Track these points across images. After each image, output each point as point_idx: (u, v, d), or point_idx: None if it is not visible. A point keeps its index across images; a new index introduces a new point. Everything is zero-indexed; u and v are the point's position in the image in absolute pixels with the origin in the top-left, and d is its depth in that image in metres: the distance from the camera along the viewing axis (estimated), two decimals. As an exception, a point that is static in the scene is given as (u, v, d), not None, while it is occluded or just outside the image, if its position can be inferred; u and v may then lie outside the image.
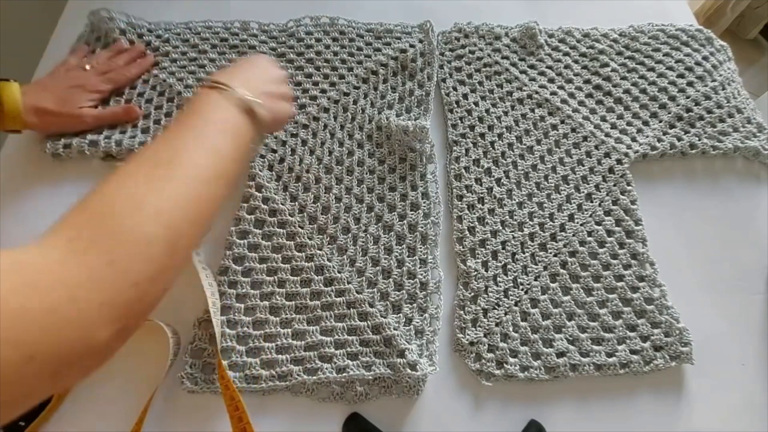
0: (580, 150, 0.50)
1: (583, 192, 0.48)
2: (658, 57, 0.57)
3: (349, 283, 0.42)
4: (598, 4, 0.63)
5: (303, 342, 0.39)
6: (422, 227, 0.45)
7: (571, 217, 0.46)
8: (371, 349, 0.39)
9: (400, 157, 0.49)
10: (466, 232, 0.45)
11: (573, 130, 0.52)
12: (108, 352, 0.24)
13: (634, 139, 0.51)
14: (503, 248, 0.44)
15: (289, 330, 0.39)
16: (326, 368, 0.38)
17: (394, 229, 0.45)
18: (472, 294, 0.42)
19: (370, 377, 0.37)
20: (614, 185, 0.48)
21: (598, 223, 0.46)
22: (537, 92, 0.54)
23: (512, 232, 0.45)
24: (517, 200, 0.47)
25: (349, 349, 0.39)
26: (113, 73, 0.50)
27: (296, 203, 0.45)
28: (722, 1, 1.34)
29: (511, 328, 0.41)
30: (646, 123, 0.52)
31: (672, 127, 0.52)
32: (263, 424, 0.37)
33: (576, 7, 0.63)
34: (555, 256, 0.44)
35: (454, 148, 0.50)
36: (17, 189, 0.47)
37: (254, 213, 0.45)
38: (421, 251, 0.43)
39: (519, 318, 0.41)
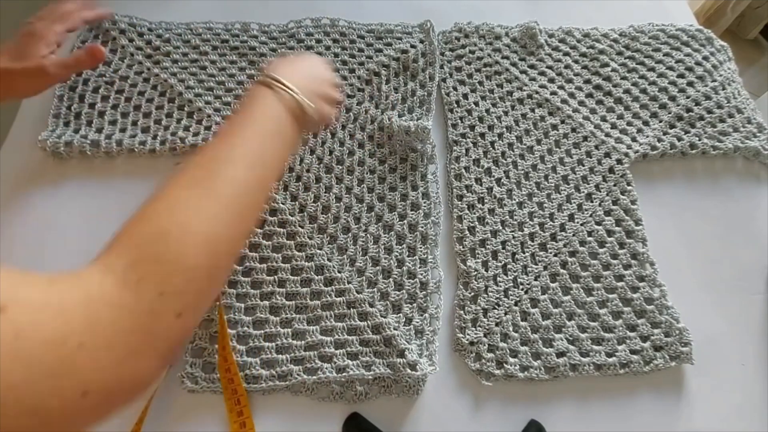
0: (580, 150, 0.50)
1: (584, 192, 0.48)
2: (658, 57, 0.57)
3: (349, 282, 0.42)
4: (598, 4, 0.63)
5: (303, 342, 0.39)
6: (422, 227, 0.45)
7: (571, 217, 0.46)
8: (371, 349, 0.39)
9: (401, 157, 0.49)
10: (466, 232, 0.45)
11: (573, 130, 0.52)
12: (150, 383, 0.24)
13: (634, 139, 0.51)
14: (503, 248, 0.44)
15: (289, 330, 0.39)
16: (326, 368, 0.38)
17: (395, 228, 0.45)
18: (472, 294, 0.42)
19: (370, 377, 0.37)
20: (614, 185, 0.48)
21: (598, 223, 0.46)
22: (537, 92, 0.54)
23: (512, 231, 0.45)
24: (517, 200, 0.47)
25: (349, 348, 0.39)
26: (66, 15, 0.46)
27: (296, 203, 0.46)
28: (722, 1, 1.34)
29: (511, 328, 0.41)
30: (646, 123, 0.52)
31: (672, 127, 0.52)
32: (263, 424, 0.37)
33: (576, 7, 0.63)
34: (555, 255, 0.44)
35: (455, 147, 0.50)
36: (17, 189, 0.47)
37: (254, 213, 0.45)
38: (421, 251, 0.43)
39: (519, 318, 0.41)
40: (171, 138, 0.49)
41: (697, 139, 0.51)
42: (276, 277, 0.42)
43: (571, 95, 0.54)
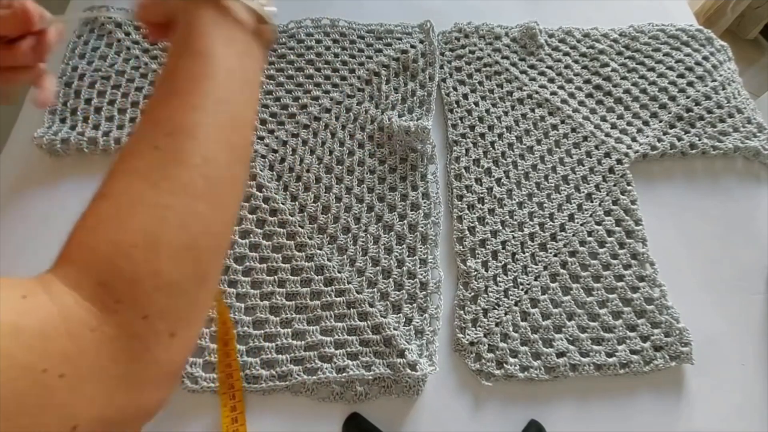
0: (580, 150, 0.50)
1: (584, 192, 0.48)
2: (658, 57, 0.57)
3: (349, 283, 0.42)
4: (598, 4, 0.63)
5: (303, 342, 0.39)
6: (422, 227, 0.45)
7: (571, 217, 0.46)
8: (371, 349, 0.39)
9: (401, 157, 0.49)
10: (466, 232, 0.45)
11: (573, 130, 0.52)
12: (155, 412, 0.21)
13: (634, 139, 0.51)
14: (503, 248, 0.44)
15: (289, 330, 0.39)
16: (326, 368, 0.38)
17: (395, 229, 0.45)
18: (472, 294, 0.42)
19: (370, 377, 0.37)
20: (614, 185, 0.48)
21: (598, 223, 0.46)
22: (537, 92, 0.54)
23: (512, 232, 0.45)
24: (517, 200, 0.47)
25: (349, 349, 0.39)
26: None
27: (296, 203, 0.45)
28: (722, 1, 1.34)
29: (511, 328, 0.41)
30: (646, 123, 0.52)
31: (672, 127, 0.52)
32: (263, 423, 0.37)
33: (576, 7, 0.63)
34: (555, 256, 0.44)
35: (455, 148, 0.50)
36: (17, 189, 0.47)
37: (255, 213, 0.45)
38: (421, 251, 0.43)
39: (519, 318, 0.41)
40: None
41: (697, 139, 0.51)
42: (276, 277, 0.42)
43: (571, 95, 0.54)
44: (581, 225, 0.46)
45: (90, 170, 0.48)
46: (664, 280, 0.43)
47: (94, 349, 0.18)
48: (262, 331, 0.39)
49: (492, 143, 0.50)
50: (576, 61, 0.57)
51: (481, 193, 0.47)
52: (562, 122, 0.52)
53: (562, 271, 0.44)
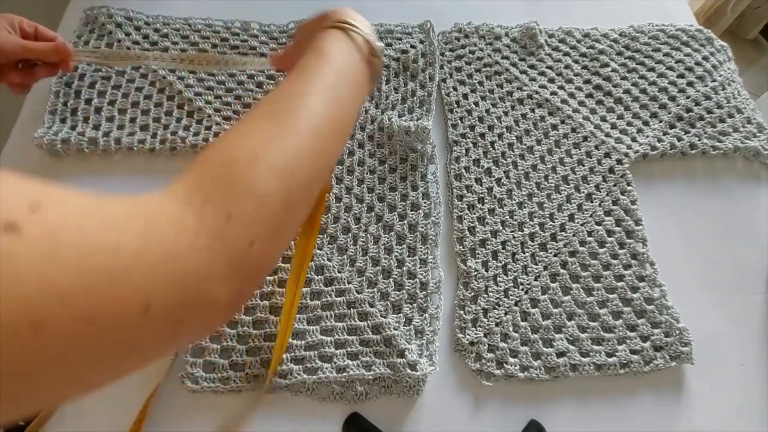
0: (580, 150, 0.50)
1: (584, 192, 0.48)
2: (658, 57, 0.57)
3: (349, 282, 0.42)
4: (598, 4, 0.63)
5: (303, 342, 0.39)
6: (422, 227, 0.45)
7: (571, 217, 0.46)
8: (371, 349, 0.39)
9: (401, 157, 0.49)
10: (467, 232, 0.45)
11: (573, 130, 0.52)
12: (224, 312, 0.22)
13: (634, 139, 0.51)
14: (503, 248, 0.44)
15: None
16: (326, 368, 0.38)
17: (395, 229, 0.45)
18: (472, 294, 0.42)
19: (370, 377, 0.37)
20: (614, 185, 0.48)
21: (598, 223, 0.46)
22: (537, 92, 0.54)
23: (512, 232, 0.45)
24: (517, 200, 0.47)
25: (349, 348, 0.39)
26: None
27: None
28: (722, 1, 1.34)
29: (511, 328, 0.41)
30: (646, 123, 0.52)
31: (672, 127, 0.52)
32: (263, 423, 0.37)
33: (576, 7, 0.63)
34: (555, 256, 0.44)
35: (455, 148, 0.50)
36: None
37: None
38: (421, 251, 0.43)
39: (519, 318, 0.41)
40: (171, 137, 0.48)
41: (697, 139, 0.51)
42: (276, 277, 0.42)
43: (571, 95, 0.54)
44: (581, 225, 0.46)
45: (90, 170, 0.48)
46: (664, 280, 0.43)
47: (172, 237, 0.19)
48: (262, 331, 0.39)
49: (492, 143, 0.50)
50: (576, 62, 0.57)
51: (481, 193, 0.47)
52: (562, 122, 0.52)
53: (562, 271, 0.44)
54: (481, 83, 0.55)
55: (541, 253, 0.44)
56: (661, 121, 0.52)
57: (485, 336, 0.40)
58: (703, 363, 0.40)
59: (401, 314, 0.40)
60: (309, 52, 0.30)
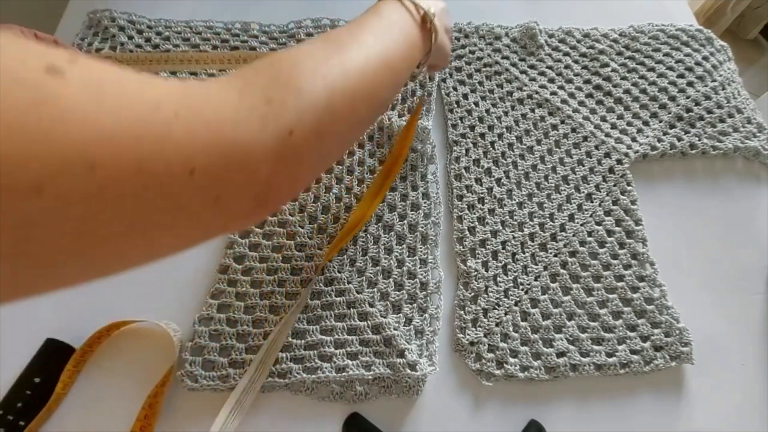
0: (580, 150, 0.50)
1: (584, 192, 0.48)
2: (658, 57, 0.57)
3: (349, 282, 0.42)
4: (598, 4, 0.63)
5: (303, 341, 0.39)
6: (422, 227, 0.45)
7: (571, 217, 0.46)
8: (371, 349, 0.39)
9: (400, 157, 0.49)
10: (467, 232, 0.45)
11: (573, 130, 0.52)
12: (264, 193, 0.22)
13: (634, 139, 0.51)
14: (503, 248, 0.44)
15: (289, 329, 0.39)
16: (326, 367, 0.38)
17: (395, 229, 0.45)
18: (472, 294, 0.42)
19: (370, 377, 0.37)
20: (614, 185, 0.48)
21: (598, 223, 0.46)
22: (537, 92, 0.54)
23: (512, 232, 0.45)
24: (517, 200, 0.47)
25: (348, 348, 0.39)
26: None
27: (296, 203, 0.46)
28: (722, 1, 1.34)
29: (511, 328, 0.41)
30: (646, 123, 0.52)
31: (672, 127, 0.52)
32: (263, 422, 0.37)
33: (576, 7, 0.63)
34: (555, 256, 0.44)
35: (454, 148, 0.50)
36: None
37: (254, 213, 0.45)
38: (421, 251, 0.43)
39: (519, 318, 0.41)
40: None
41: (697, 139, 0.51)
42: (276, 276, 0.42)
43: (571, 95, 0.54)
44: (581, 225, 0.46)
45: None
46: (664, 280, 0.43)
47: (212, 108, 0.19)
48: (262, 330, 0.39)
49: (492, 143, 0.50)
50: (576, 62, 0.57)
51: (481, 193, 0.47)
52: (562, 122, 0.52)
53: (562, 271, 0.44)
54: (481, 83, 0.55)
55: (541, 253, 0.44)
56: (661, 121, 0.52)
57: (485, 336, 0.40)
58: (703, 363, 0.40)
59: (401, 314, 0.40)
60: (368, 9, 0.33)
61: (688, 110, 0.53)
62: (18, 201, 0.13)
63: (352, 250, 0.43)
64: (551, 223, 0.46)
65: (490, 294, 0.42)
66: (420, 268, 0.43)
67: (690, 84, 0.55)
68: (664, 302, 0.42)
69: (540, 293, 0.42)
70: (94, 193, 0.15)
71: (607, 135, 0.51)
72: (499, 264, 0.44)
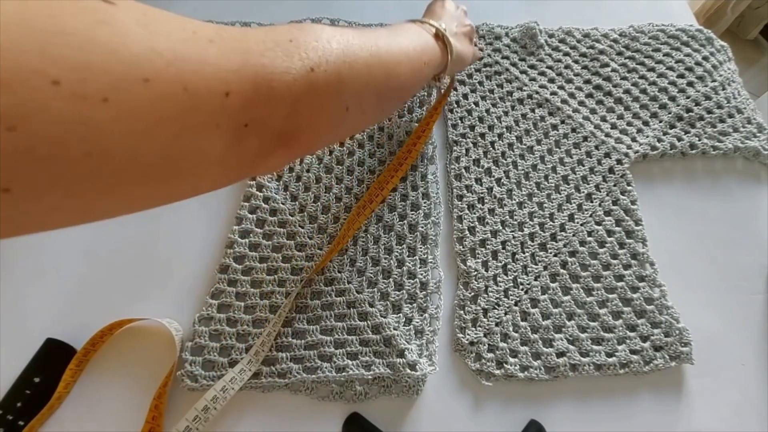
0: (580, 150, 0.50)
1: (583, 192, 0.48)
2: (658, 57, 0.57)
3: (349, 282, 0.42)
4: (598, 4, 0.63)
5: (303, 341, 0.39)
6: (422, 227, 0.45)
7: (571, 217, 0.46)
8: (371, 349, 0.39)
9: (400, 157, 0.49)
10: (466, 232, 0.45)
11: (573, 130, 0.52)
12: (285, 137, 0.24)
13: (634, 140, 0.51)
14: (503, 248, 0.44)
15: (289, 329, 0.39)
16: (326, 367, 0.38)
17: (395, 229, 0.45)
18: (472, 294, 0.42)
19: (370, 377, 0.37)
20: (614, 185, 0.48)
21: (598, 223, 0.46)
22: (537, 92, 0.54)
23: (512, 232, 0.45)
24: (517, 200, 0.47)
25: (348, 348, 0.39)
26: None
27: (296, 203, 0.46)
28: (722, 1, 1.34)
29: (511, 328, 0.41)
30: (646, 123, 0.52)
31: (672, 127, 0.52)
32: (263, 422, 0.37)
33: (576, 7, 0.63)
34: (555, 256, 0.44)
35: (455, 148, 0.50)
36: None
37: (255, 212, 0.45)
38: (421, 251, 0.43)
39: (519, 318, 0.41)
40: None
41: (697, 139, 0.51)
42: (276, 276, 0.42)
43: (571, 95, 0.54)
44: (581, 225, 0.46)
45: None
46: (664, 280, 0.43)
47: (240, 37, 0.22)
48: (262, 330, 0.39)
49: (492, 143, 0.50)
50: (576, 62, 0.57)
51: (481, 193, 0.47)
52: (562, 122, 0.52)
53: (562, 271, 0.44)
54: (481, 83, 0.55)
55: (541, 253, 0.44)
56: (661, 121, 0.52)
57: (485, 336, 0.40)
58: (703, 363, 0.40)
59: (401, 314, 0.40)
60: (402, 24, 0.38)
61: (688, 110, 0.53)
62: (87, 109, 0.15)
63: (352, 250, 0.43)
64: (551, 222, 0.46)
65: (490, 294, 0.42)
66: (420, 268, 0.43)
67: (690, 84, 0.55)
68: (663, 302, 0.42)
69: (540, 293, 0.42)
70: (148, 107, 0.16)
71: (607, 135, 0.51)
72: (499, 264, 0.44)
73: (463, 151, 0.50)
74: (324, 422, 0.37)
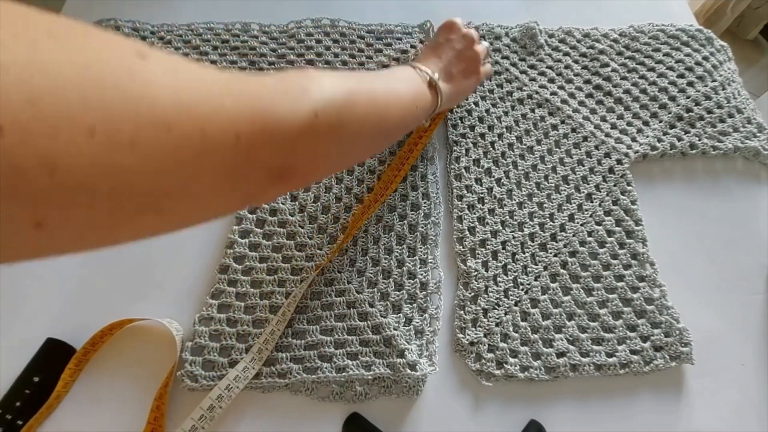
0: (580, 150, 0.50)
1: (584, 192, 0.48)
2: (658, 57, 0.57)
3: (349, 283, 0.42)
4: (598, 4, 0.63)
5: (303, 341, 0.39)
6: (422, 227, 0.45)
7: (571, 217, 0.46)
8: (371, 349, 0.39)
9: (400, 157, 0.49)
10: (466, 232, 0.45)
11: (573, 130, 0.52)
12: (283, 174, 0.25)
13: (634, 140, 0.51)
14: (503, 248, 0.44)
15: (289, 329, 0.39)
16: (326, 367, 0.38)
17: (395, 229, 0.45)
18: (472, 294, 0.42)
19: (370, 377, 0.37)
20: (614, 185, 0.48)
21: (598, 224, 0.46)
22: (537, 92, 0.54)
23: (512, 232, 0.45)
24: (517, 200, 0.47)
25: (348, 348, 0.39)
26: None
27: (296, 203, 0.46)
28: (722, 1, 1.34)
29: (511, 328, 0.41)
30: (646, 123, 0.52)
31: (672, 127, 0.52)
32: (263, 422, 0.37)
33: (576, 7, 0.63)
34: (555, 256, 0.44)
35: (454, 148, 0.50)
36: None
37: (255, 213, 0.45)
38: (421, 251, 0.43)
39: (519, 318, 0.41)
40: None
41: (697, 139, 0.51)
42: (276, 276, 0.42)
43: (571, 95, 0.54)
44: (581, 225, 0.46)
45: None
46: (664, 280, 0.43)
47: (255, 83, 0.23)
48: (262, 330, 0.39)
49: (492, 143, 0.50)
50: (576, 62, 0.57)
51: (481, 193, 0.47)
52: (562, 122, 0.52)
53: (562, 271, 0.44)
54: (481, 83, 0.55)
55: (541, 253, 0.44)
56: (661, 121, 0.52)
57: (485, 336, 0.40)
58: (703, 363, 0.40)
59: (401, 314, 0.40)
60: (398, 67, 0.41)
61: (688, 110, 0.53)
62: (116, 154, 0.16)
63: (352, 250, 0.43)
64: (551, 223, 0.46)
65: (490, 294, 0.42)
66: (420, 268, 0.43)
67: (690, 84, 0.55)
68: (664, 302, 0.42)
69: (540, 293, 0.42)
70: (169, 151, 0.18)
71: (607, 135, 0.51)
72: (499, 264, 0.44)
73: (463, 151, 0.50)
74: (324, 422, 0.37)
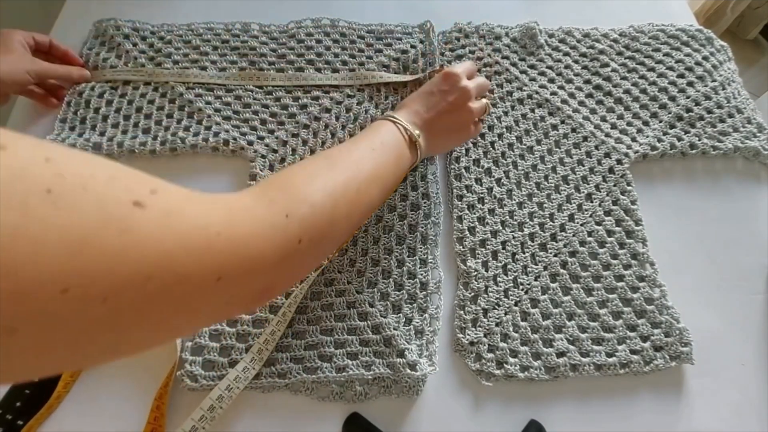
0: (580, 150, 0.50)
1: (583, 192, 0.48)
2: (658, 57, 0.57)
3: (349, 283, 0.42)
4: (598, 4, 0.63)
5: (303, 341, 0.39)
6: (422, 227, 0.45)
7: (571, 217, 0.46)
8: (371, 349, 0.39)
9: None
10: (466, 232, 0.45)
11: (573, 130, 0.52)
12: (265, 292, 0.26)
13: (634, 140, 0.51)
14: (503, 248, 0.44)
15: (289, 329, 0.39)
16: (326, 367, 0.38)
17: (395, 229, 0.45)
18: (472, 294, 0.42)
19: (370, 377, 0.37)
20: (614, 185, 0.48)
21: (598, 223, 0.46)
22: (537, 92, 0.54)
23: (512, 232, 0.45)
24: (517, 200, 0.47)
25: (348, 348, 0.39)
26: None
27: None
28: (722, 1, 1.34)
29: (511, 328, 0.41)
30: (646, 123, 0.52)
31: (672, 127, 0.52)
32: (263, 422, 0.37)
33: (576, 7, 0.63)
34: (555, 256, 0.44)
35: (454, 148, 0.50)
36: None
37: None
38: (421, 251, 0.43)
39: (519, 318, 0.41)
40: (171, 138, 0.49)
41: (697, 139, 0.51)
42: (276, 277, 0.42)
43: (571, 95, 0.54)
44: (581, 225, 0.46)
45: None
46: (664, 280, 0.43)
47: (247, 222, 0.24)
48: (262, 330, 0.39)
49: (492, 143, 0.50)
50: (576, 62, 0.57)
51: (481, 193, 0.47)
52: (562, 122, 0.52)
53: (562, 271, 0.44)
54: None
55: (541, 253, 0.44)
56: (661, 121, 0.52)
57: (485, 336, 0.40)
58: (703, 363, 0.40)
59: (401, 314, 0.40)
60: (368, 128, 0.40)
61: (688, 110, 0.53)
62: (85, 307, 0.16)
63: (352, 250, 0.43)
64: (551, 223, 0.46)
65: (490, 294, 0.42)
66: (420, 268, 0.43)
67: (690, 84, 0.55)
68: (664, 302, 0.42)
69: (540, 293, 0.42)
70: (144, 302, 0.18)
71: (607, 135, 0.51)
72: (499, 264, 0.44)
73: (463, 151, 0.50)
74: (324, 422, 0.37)
